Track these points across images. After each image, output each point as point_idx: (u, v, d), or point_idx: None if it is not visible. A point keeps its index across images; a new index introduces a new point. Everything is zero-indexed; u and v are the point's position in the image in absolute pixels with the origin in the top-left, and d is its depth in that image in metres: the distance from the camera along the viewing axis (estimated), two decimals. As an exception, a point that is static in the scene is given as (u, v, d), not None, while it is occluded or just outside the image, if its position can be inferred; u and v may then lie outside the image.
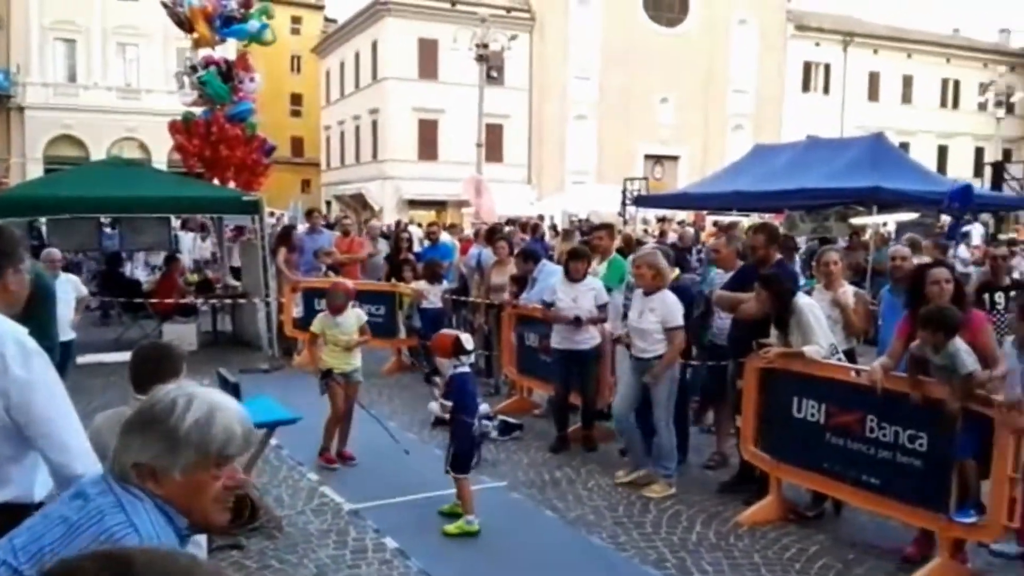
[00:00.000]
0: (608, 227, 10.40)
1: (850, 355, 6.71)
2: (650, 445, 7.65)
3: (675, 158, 45.66)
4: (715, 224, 24.16)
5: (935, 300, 5.62)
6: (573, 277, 8.19)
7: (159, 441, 1.76)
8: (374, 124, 43.29)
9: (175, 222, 19.46)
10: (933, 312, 5.30)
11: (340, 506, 6.57)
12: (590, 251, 8.91)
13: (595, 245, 9.45)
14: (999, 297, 7.38)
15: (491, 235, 12.07)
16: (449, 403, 6.14)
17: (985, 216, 20.91)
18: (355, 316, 7.66)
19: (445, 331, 6.58)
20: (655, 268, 6.94)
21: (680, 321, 6.86)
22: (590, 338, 8.15)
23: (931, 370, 5.28)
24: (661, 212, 26.45)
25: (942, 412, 5.17)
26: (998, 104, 39.10)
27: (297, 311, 12.41)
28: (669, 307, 6.88)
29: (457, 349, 6.09)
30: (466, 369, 6.15)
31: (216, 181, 15.31)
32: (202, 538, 3.35)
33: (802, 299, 6.41)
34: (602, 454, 8.03)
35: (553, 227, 24.08)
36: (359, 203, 43.02)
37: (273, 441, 6.78)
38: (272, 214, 21.12)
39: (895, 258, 7.53)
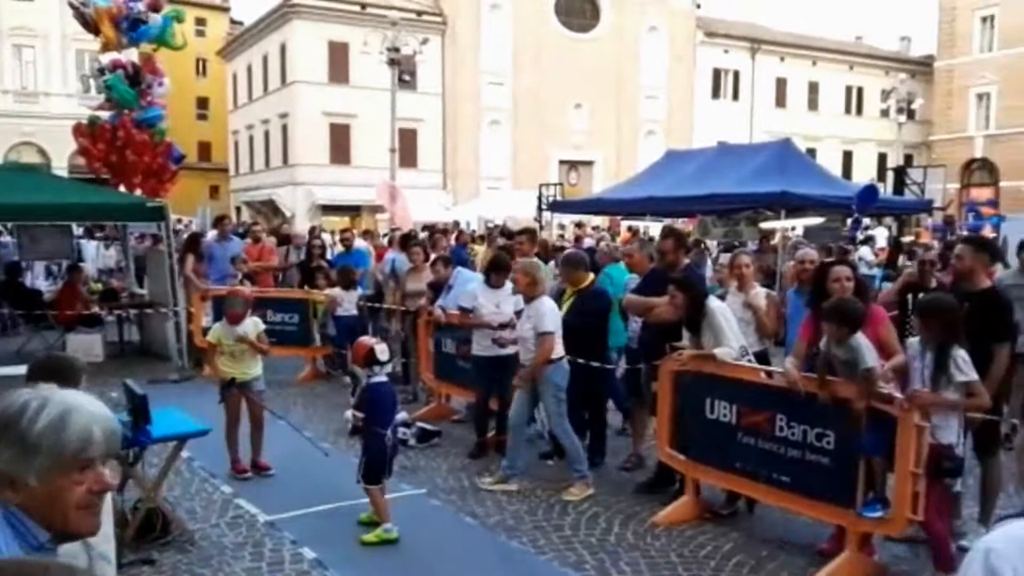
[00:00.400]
0: (530, 232, 10.47)
1: (763, 357, 6.86)
2: (594, 445, 7.76)
3: (590, 163, 46.11)
4: (629, 229, 24.49)
5: (837, 296, 5.81)
6: (495, 284, 8.20)
7: (11, 447, 1.67)
8: (284, 129, 42.64)
9: (78, 230, 18.89)
10: (837, 305, 5.45)
11: (255, 518, 6.45)
12: (510, 257, 8.92)
13: (516, 251, 9.48)
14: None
15: (405, 241, 12.02)
16: (361, 414, 6.08)
17: (888, 220, 21.65)
18: (252, 324, 7.53)
19: (363, 339, 6.51)
20: (530, 276, 7.02)
21: (549, 327, 6.88)
22: (512, 344, 8.18)
23: (836, 366, 5.43)
24: (577, 217, 26.67)
25: (848, 410, 5.32)
26: (899, 110, 40.40)
27: (207, 320, 12.12)
28: (541, 313, 6.93)
29: (370, 359, 6.04)
30: (381, 379, 6.10)
31: (122, 188, 14.88)
32: (111, 553, 3.26)
33: (713, 302, 6.53)
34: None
35: (481, 232, 24.01)
36: (270, 209, 42.34)
37: (184, 453, 6.62)
38: (179, 221, 20.66)
39: (802, 261, 7.72)
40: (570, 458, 7.11)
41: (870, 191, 14.40)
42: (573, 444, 7.05)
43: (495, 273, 8.27)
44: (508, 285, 8.20)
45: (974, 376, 4.96)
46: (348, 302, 11.21)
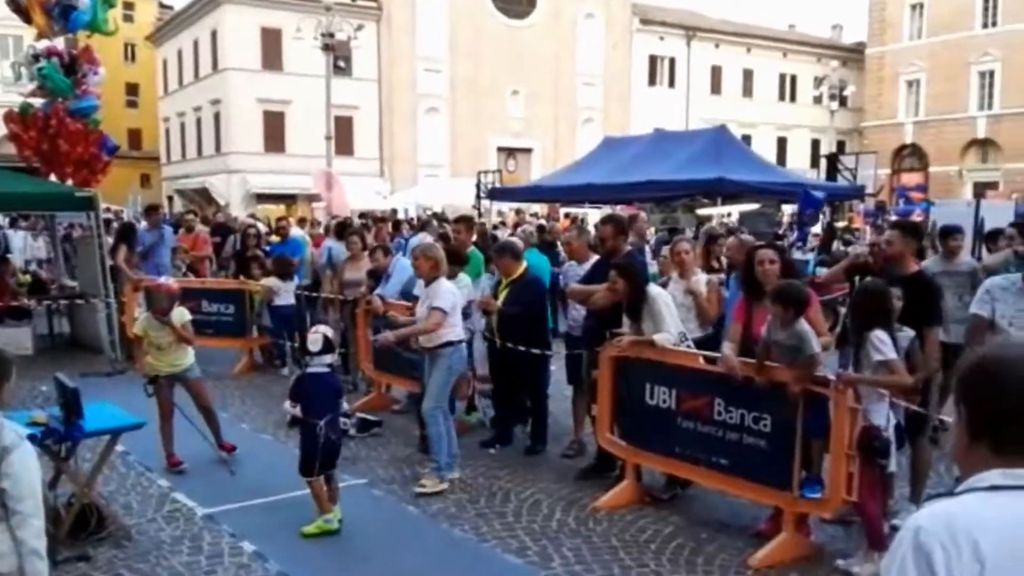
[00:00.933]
0: (467, 220, 10.42)
1: (707, 342, 6.92)
2: (535, 432, 7.74)
3: (528, 150, 46.12)
4: (567, 216, 24.61)
5: (762, 279, 5.92)
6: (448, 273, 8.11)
7: None
8: (216, 116, 41.88)
9: (3, 220, 18.38)
10: (784, 288, 5.53)
11: (193, 511, 6.34)
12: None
13: (454, 239, 9.45)
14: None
15: (341, 229, 11.89)
16: (297, 405, 6.02)
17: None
18: (178, 315, 7.40)
19: (315, 328, 6.44)
20: (432, 259, 6.95)
21: (437, 303, 6.75)
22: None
23: (775, 350, 5.51)
24: (516, 204, 26.69)
25: (785, 394, 5.41)
26: (832, 97, 41.17)
27: (139, 311, 11.86)
28: (436, 292, 6.84)
29: (303, 349, 5.99)
30: (319, 369, 6.03)
31: (53, 177, 14.48)
32: (44, 550, 3.18)
33: (653, 288, 6.58)
34: (463, 447, 8.01)
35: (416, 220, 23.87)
36: (203, 198, 41.57)
37: (119, 447, 6.48)
38: (108, 210, 20.18)
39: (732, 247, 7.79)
40: (432, 447, 6.95)
41: (810, 199, 14.72)
42: (440, 434, 6.88)
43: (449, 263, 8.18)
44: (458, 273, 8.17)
45: (891, 355, 5.03)
46: (285, 292, 11.07)
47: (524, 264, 8.17)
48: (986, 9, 46.24)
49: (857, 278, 6.78)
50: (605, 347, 6.62)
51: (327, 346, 6.08)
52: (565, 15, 46.49)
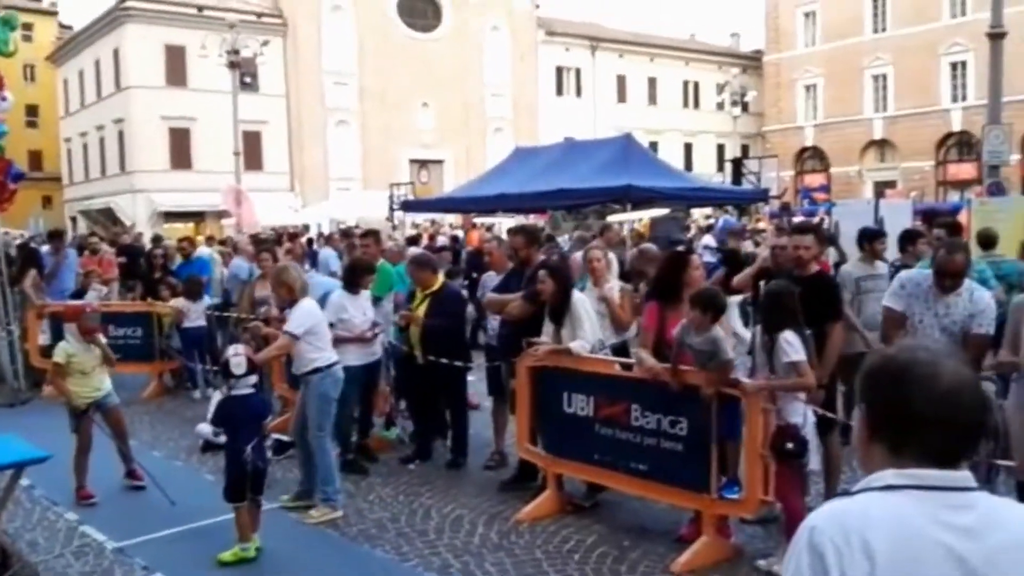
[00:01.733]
0: (374, 234, 10.31)
1: (623, 349, 6.98)
2: (456, 446, 7.63)
3: (440, 162, 46.11)
4: (476, 226, 24.67)
5: (694, 285, 6.00)
6: (357, 289, 7.98)
7: None
8: (120, 135, 40.85)
9: None
10: (705, 293, 5.61)
11: (103, 545, 6.12)
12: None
13: (362, 254, 9.33)
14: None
15: (258, 246, 11.65)
16: (220, 430, 5.86)
17: (730, 208, 22.53)
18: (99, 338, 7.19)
19: (228, 351, 6.24)
20: (284, 284, 6.67)
21: (288, 327, 6.52)
22: (379, 349, 8.09)
23: (688, 353, 5.57)
24: (431, 216, 26.67)
25: (699, 397, 5.48)
26: (734, 103, 42.31)
27: (44, 338, 11.45)
28: (291, 316, 6.59)
29: (226, 372, 5.83)
30: (242, 392, 5.89)
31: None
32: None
33: (577, 294, 6.62)
34: (382, 464, 7.95)
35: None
36: (108, 218, 40.42)
37: (24, 481, 6.21)
38: (7, 234, 19.46)
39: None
40: (321, 477, 6.67)
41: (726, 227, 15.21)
42: (326, 464, 6.66)
43: (357, 277, 8.08)
44: (364, 291, 8.05)
45: (799, 357, 5.12)
46: (194, 313, 10.82)
47: (440, 276, 8.13)
48: (875, 15, 48.04)
49: (762, 282, 6.94)
50: (522, 357, 6.61)
51: (252, 367, 5.94)
52: (471, 28, 46.71)
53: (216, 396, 7.65)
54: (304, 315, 6.55)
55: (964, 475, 1.64)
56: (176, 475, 7.74)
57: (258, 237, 14.25)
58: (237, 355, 5.96)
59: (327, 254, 15.26)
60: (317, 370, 6.59)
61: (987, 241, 8.47)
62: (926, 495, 1.60)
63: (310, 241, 19.37)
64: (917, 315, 5.34)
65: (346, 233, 20.19)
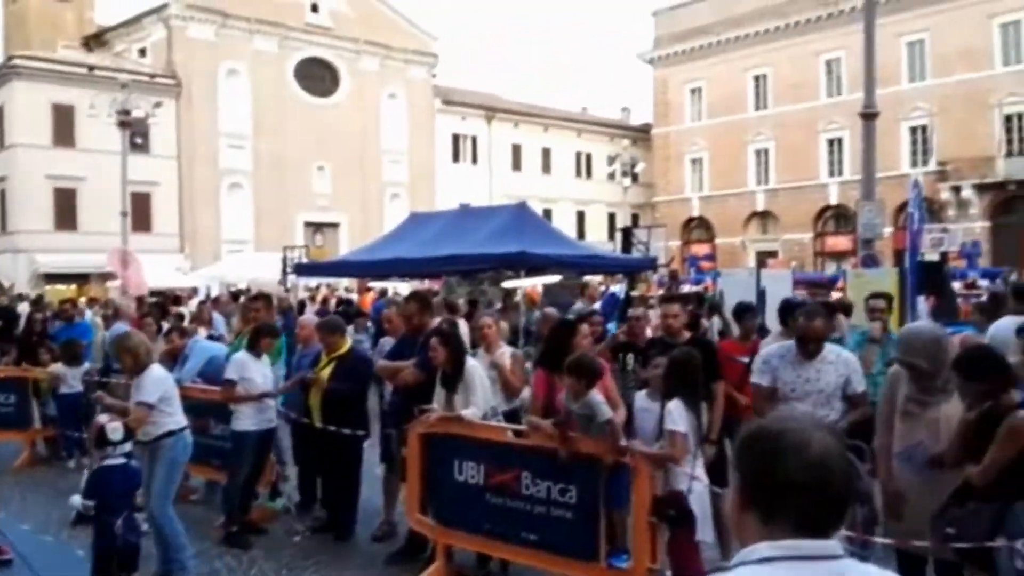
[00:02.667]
0: (264, 297, 10.15)
1: (515, 415, 6.98)
2: (346, 517, 7.43)
3: (335, 225, 45.88)
4: (369, 289, 24.53)
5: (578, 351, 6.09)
6: (260, 352, 7.81)
7: None
8: (2, 194, 39.41)
9: None
10: (580, 360, 5.68)
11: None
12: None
13: (252, 317, 9.16)
14: (630, 358, 7.53)
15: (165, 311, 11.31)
16: (91, 502, 5.57)
17: (620, 276, 22.97)
18: None
19: (99, 418, 5.99)
20: (129, 351, 6.47)
21: (141, 396, 6.29)
22: (275, 416, 7.90)
23: (574, 421, 5.59)
24: (325, 280, 26.40)
25: (588, 464, 5.51)
26: (624, 174, 43.46)
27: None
28: (140, 385, 6.37)
29: (101, 440, 5.60)
30: (116, 461, 5.65)
31: None
32: None
33: (470, 360, 6.61)
34: (266, 537, 7.69)
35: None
36: (-15, 279, 38.70)
37: None
38: None
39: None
40: (170, 546, 6.41)
41: (613, 300, 15.50)
42: (174, 532, 6.41)
43: (259, 340, 7.89)
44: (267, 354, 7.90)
45: (675, 428, 5.24)
46: (72, 378, 10.40)
47: (349, 340, 8.03)
48: (757, 93, 50.32)
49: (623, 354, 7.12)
50: (413, 424, 6.55)
51: (128, 434, 5.71)
52: (368, 95, 47.07)
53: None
54: (155, 383, 6.35)
55: (834, 544, 1.68)
56: (45, 550, 7.34)
57: (141, 299, 13.84)
58: (113, 420, 5.75)
59: (215, 318, 14.90)
60: (168, 434, 6.36)
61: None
62: (800, 565, 1.63)
63: (215, 301, 18.88)
64: (788, 384, 5.51)
65: (236, 296, 19.84)
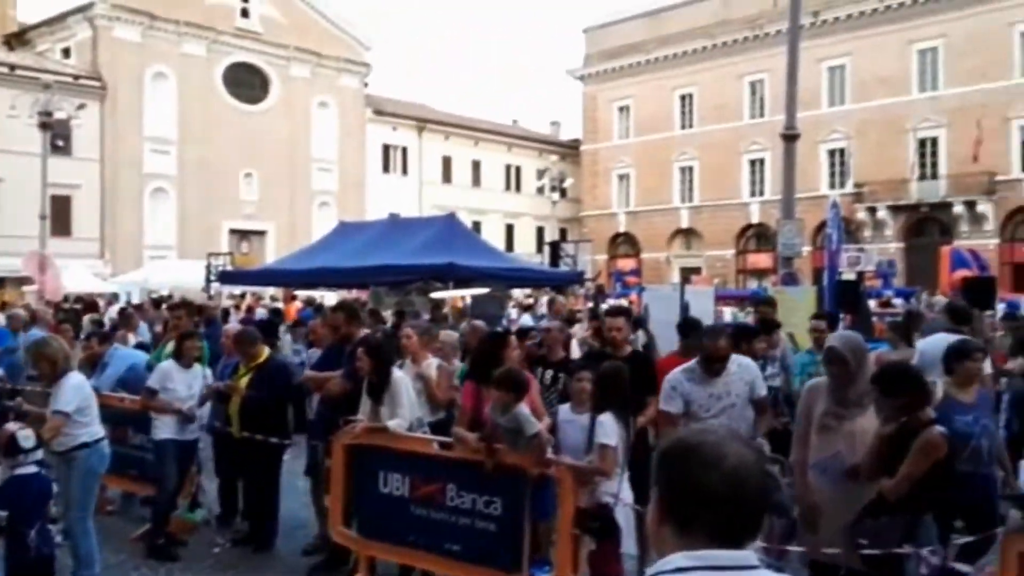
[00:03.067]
0: (186, 305, 10.03)
1: (442, 426, 6.99)
2: (267, 527, 7.32)
3: (262, 233, 45.27)
4: (294, 298, 24.32)
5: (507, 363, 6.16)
6: (188, 362, 7.70)
7: None
8: (-89, 194, 37.93)
9: None
10: (509, 373, 5.73)
11: None
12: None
13: (174, 325, 9.05)
14: (548, 374, 7.48)
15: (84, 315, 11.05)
16: (3, 513, 5.42)
17: (548, 289, 23.17)
18: None
19: (7, 426, 5.85)
20: (46, 358, 6.32)
21: (58, 405, 6.13)
22: (196, 429, 7.78)
23: (500, 434, 5.65)
24: (250, 288, 26.04)
25: (514, 476, 5.57)
26: (553, 188, 43.89)
27: None
28: (58, 394, 6.21)
29: (12, 448, 5.47)
30: (27, 470, 5.53)
31: None
32: None
33: (396, 372, 6.59)
34: (189, 550, 7.55)
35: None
36: None
37: None
38: None
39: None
40: (83, 562, 6.29)
41: None
42: (88, 547, 6.29)
43: (182, 347, 7.73)
44: (197, 366, 7.79)
45: (607, 441, 5.34)
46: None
47: (266, 349, 7.97)
48: (683, 112, 51.22)
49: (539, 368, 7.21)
50: (338, 435, 6.53)
51: (40, 442, 5.59)
52: (298, 103, 46.64)
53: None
54: (73, 391, 6.19)
55: (748, 554, 1.72)
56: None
57: (57, 306, 13.51)
58: (24, 428, 5.62)
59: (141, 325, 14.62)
60: (84, 445, 6.23)
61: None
62: (715, 575, 1.68)
63: (122, 311, 18.48)
64: (702, 405, 5.67)
65: (158, 303, 19.48)
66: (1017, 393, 7.65)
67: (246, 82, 45.42)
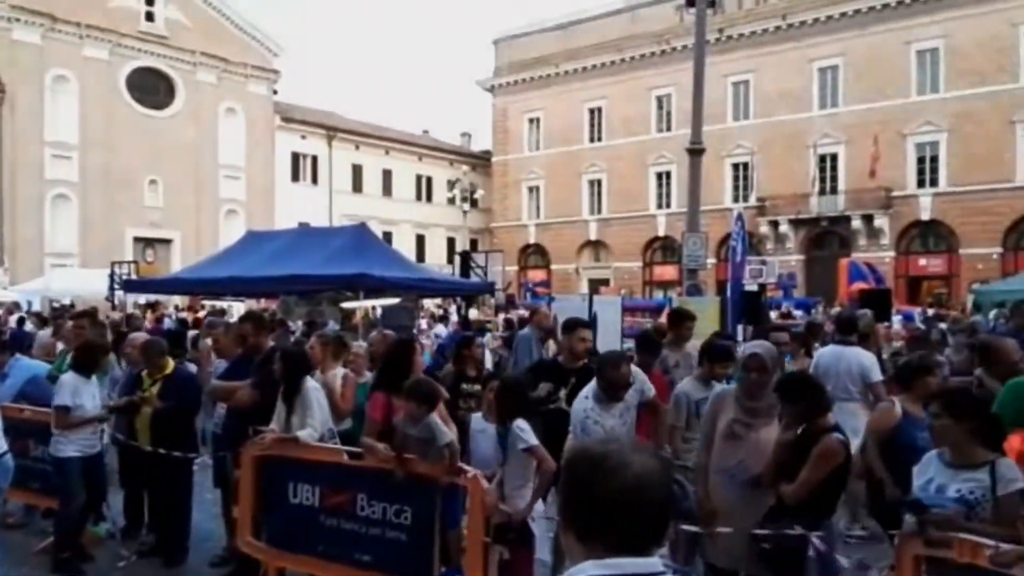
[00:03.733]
0: (89, 315, 9.83)
1: (347, 436, 7.03)
2: (177, 538, 7.24)
3: (168, 241, 44.32)
4: (201, 307, 23.95)
5: (418, 373, 6.24)
6: (89, 373, 7.53)
7: None
8: None
9: None
10: (417, 384, 5.77)
11: None
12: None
13: (76, 335, 8.88)
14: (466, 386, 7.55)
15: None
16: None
17: (459, 299, 23.29)
18: None
19: None
20: None
21: None
22: (98, 442, 7.63)
23: (410, 443, 5.69)
24: (155, 297, 25.51)
25: (423, 485, 5.63)
26: (464, 199, 44.03)
27: None
28: None
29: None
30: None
31: None
32: None
33: (310, 381, 6.56)
34: (94, 564, 7.43)
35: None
36: None
37: None
38: None
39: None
40: None
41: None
42: None
43: (89, 359, 7.56)
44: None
45: (534, 442, 5.43)
46: None
47: (172, 361, 7.88)
48: (592, 126, 52.03)
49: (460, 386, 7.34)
50: (247, 445, 6.48)
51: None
52: (205, 109, 45.84)
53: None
54: None
55: (655, 561, 1.76)
56: None
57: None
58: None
59: (43, 334, 14.18)
60: None
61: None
62: None
63: (21, 320, 17.95)
64: (612, 430, 5.81)
65: (59, 312, 18.96)
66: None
67: (151, 87, 44.44)
